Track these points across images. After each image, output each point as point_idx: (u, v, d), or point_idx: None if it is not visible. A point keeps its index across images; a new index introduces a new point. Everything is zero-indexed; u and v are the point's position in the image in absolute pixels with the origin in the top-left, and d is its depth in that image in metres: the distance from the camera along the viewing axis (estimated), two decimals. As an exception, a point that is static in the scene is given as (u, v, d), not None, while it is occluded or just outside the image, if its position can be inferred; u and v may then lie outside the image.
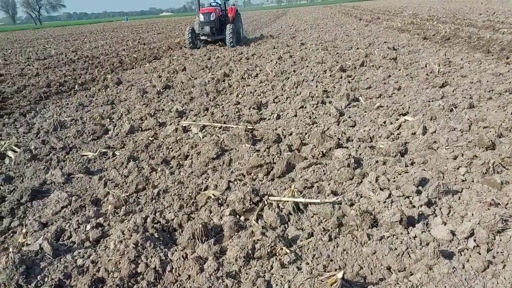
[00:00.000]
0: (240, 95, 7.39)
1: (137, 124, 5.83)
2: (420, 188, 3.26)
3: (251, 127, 5.31)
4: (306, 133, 4.95)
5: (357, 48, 12.17)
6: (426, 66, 8.23)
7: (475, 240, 2.59)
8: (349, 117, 5.57)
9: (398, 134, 4.74)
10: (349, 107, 6.03)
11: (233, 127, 5.40)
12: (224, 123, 5.66)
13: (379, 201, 3.08)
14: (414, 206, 3.02)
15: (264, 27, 28.65)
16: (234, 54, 13.51)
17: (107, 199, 3.52)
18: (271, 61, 11.23)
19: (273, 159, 4.14)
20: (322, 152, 4.20)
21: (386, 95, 6.53)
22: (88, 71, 11.73)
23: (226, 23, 16.22)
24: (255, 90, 7.68)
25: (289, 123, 5.46)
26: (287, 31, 22.28)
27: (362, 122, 5.32)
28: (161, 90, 8.25)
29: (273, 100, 6.80)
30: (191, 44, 16.16)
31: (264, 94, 7.39)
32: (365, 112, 5.73)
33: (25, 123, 6.39)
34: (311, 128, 5.19)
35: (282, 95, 7.09)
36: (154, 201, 3.48)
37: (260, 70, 9.93)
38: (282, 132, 5.04)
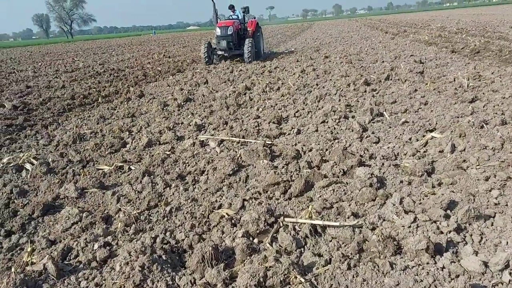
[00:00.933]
0: (260, 109, 7.27)
1: (155, 138, 5.77)
2: (448, 212, 3.02)
3: (270, 142, 5.16)
4: (326, 149, 4.76)
5: (383, 62, 11.91)
6: (454, 80, 7.90)
7: (510, 273, 2.33)
8: (373, 132, 5.34)
9: (424, 151, 4.49)
10: (373, 122, 5.81)
11: (251, 142, 5.26)
12: (243, 137, 5.52)
13: (403, 226, 2.85)
14: (442, 232, 2.78)
15: (288, 40, 28.65)
16: (256, 67, 13.46)
17: (118, 216, 3.42)
18: (293, 74, 11.10)
19: (291, 176, 3.97)
20: (343, 170, 4.00)
21: (412, 110, 6.27)
22: (112, 84, 11.89)
23: (245, 38, 15.32)
24: (276, 104, 7.54)
25: (309, 139, 5.28)
26: (312, 44, 22.17)
27: (386, 138, 5.08)
28: (182, 103, 8.22)
29: (294, 114, 6.63)
30: (206, 59, 15.03)
31: (285, 108, 7.24)
32: (390, 127, 5.49)
33: (46, 135, 6.43)
34: (332, 144, 5.00)
35: (303, 109, 6.92)
36: (165, 219, 3.35)
37: (282, 84, 9.81)
38: (302, 148, 4.86)
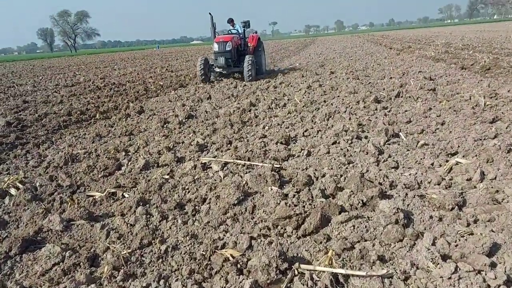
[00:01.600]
0: (266, 127, 6.85)
1: (153, 159, 5.34)
2: (493, 259, 2.56)
3: (278, 166, 4.72)
4: (341, 175, 4.32)
5: (391, 78, 11.53)
6: (470, 99, 7.49)
7: None
8: (390, 156, 4.90)
9: (450, 179, 4.04)
10: (389, 144, 5.37)
11: (258, 165, 4.82)
12: (249, 159, 5.09)
13: (442, 276, 2.40)
14: (489, 286, 2.33)
15: (292, 55, 28.44)
16: (261, 82, 13.11)
17: (106, 256, 2.96)
18: (299, 90, 10.72)
19: (304, 207, 3.54)
20: (362, 201, 3.55)
21: (429, 130, 5.84)
22: (112, 99, 11.52)
23: (246, 54, 14.31)
24: (283, 122, 7.13)
25: (321, 162, 4.84)
26: (316, 59, 21.89)
27: (406, 163, 4.64)
28: (183, 120, 7.81)
29: (303, 133, 6.21)
30: (203, 77, 13.93)
31: (293, 126, 6.83)
32: (408, 150, 5.05)
33: (37, 155, 6.01)
34: (347, 169, 4.56)
35: (312, 128, 6.50)
36: (160, 260, 2.90)
37: (288, 100, 9.42)
38: (314, 173, 4.42)
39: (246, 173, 4.64)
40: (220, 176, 4.58)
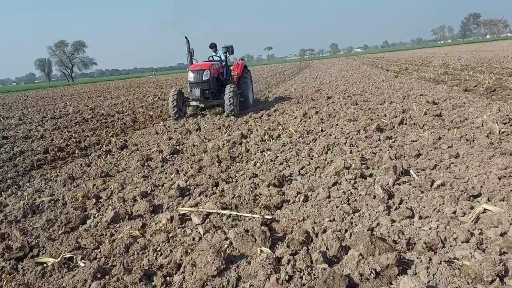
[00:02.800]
0: (258, 164, 6.12)
1: (125, 209, 4.57)
2: None
3: (269, 217, 3.96)
4: (346, 230, 3.57)
5: (391, 102, 10.90)
6: (482, 125, 6.81)
7: None
8: (402, 201, 4.15)
9: (480, 234, 3.29)
10: (398, 184, 4.63)
11: (246, 216, 4.07)
12: (236, 207, 4.35)
13: None
14: None
15: (287, 80, 28.04)
16: (255, 109, 12.49)
17: None
18: (295, 118, 10.07)
19: (302, 278, 2.78)
20: (375, 270, 2.79)
21: (442, 165, 5.12)
22: (96, 132, 10.83)
23: (227, 83, 12.30)
24: (277, 157, 6.40)
25: (320, 211, 4.08)
26: (311, 84, 21.40)
27: (422, 210, 3.89)
28: (167, 157, 7.09)
29: (299, 171, 5.48)
30: (176, 113, 11.81)
31: (287, 162, 6.10)
32: (422, 192, 4.31)
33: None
34: (352, 220, 3.80)
35: (309, 164, 5.77)
36: None
37: (283, 130, 8.75)
38: (313, 227, 3.66)
39: (232, 226, 3.89)
40: (199, 232, 3.80)
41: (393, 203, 4.09)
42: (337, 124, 8.62)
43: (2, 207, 5.17)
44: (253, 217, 3.97)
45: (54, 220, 4.38)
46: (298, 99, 14.07)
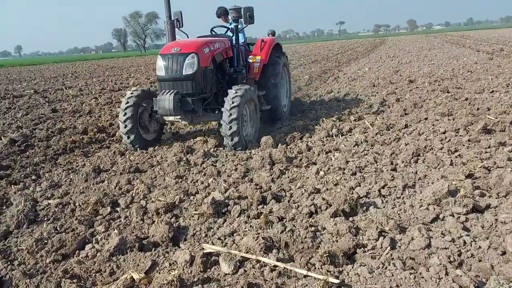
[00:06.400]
0: (322, 171, 4.66)
1: (137, 233, 3.40)
2: None
3: (335, 281, 2.54)
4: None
5: (492, 92, 8.77)
6: None
7: None
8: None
9: None
10: (540, 232, 2.97)
11: (301, 273, 2.68)
12: (286, 246, 2.99)
13: None
14: None
15: (360, 57, 25.68)
16: (321, 92, 10.88)
17: None
18: (370, 106, 8.38)
19: None
20: None
21: None
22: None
23: (237, 80, 6.70)
24: (347, 162, 4.88)
25: (417, 277, 2.57)
26: (389, 63, 19.07)
27: None
28: (211, 151, 5.87)
29: (379, 191, 3.95)
30: (130, 132, 6.06)
31: (362, 172, 4.57)
32: None
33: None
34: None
35: (392, 178, 4.21)
36: None
37: (354, 120, 7.16)
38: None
39: (278, 278, 2.55)
40: (229, 283, 2.50)
41: (544, 275, 2.48)
42: (426, 118, 6.84)
43: (2, 208, 4.25)
44: (310, 276, 2.58)
45: (46, 240, 3.31)
46: (374, 82, 12.17)
